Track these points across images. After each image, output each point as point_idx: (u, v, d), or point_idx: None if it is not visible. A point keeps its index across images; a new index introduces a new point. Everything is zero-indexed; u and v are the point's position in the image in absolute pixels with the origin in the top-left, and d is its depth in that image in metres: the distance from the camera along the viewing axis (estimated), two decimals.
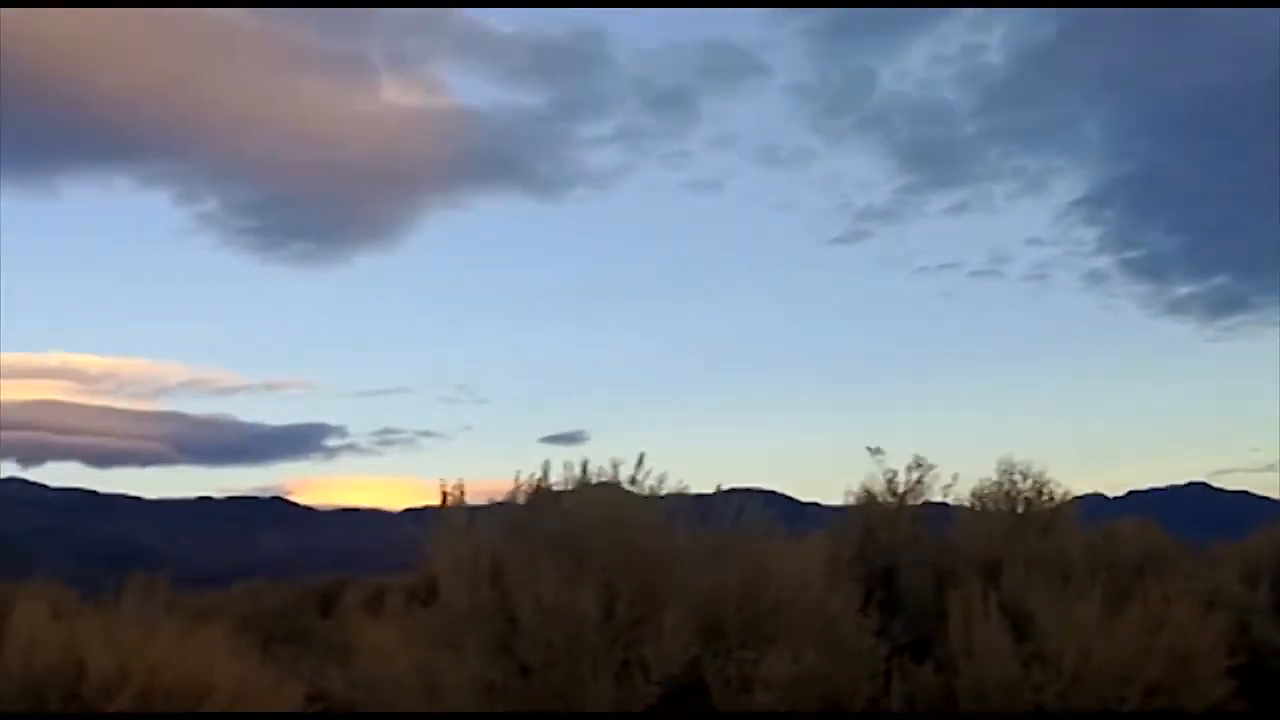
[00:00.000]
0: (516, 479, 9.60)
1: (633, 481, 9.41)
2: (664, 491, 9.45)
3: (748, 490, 10.68)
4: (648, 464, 9.43)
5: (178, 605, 12.49)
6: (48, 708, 7.46)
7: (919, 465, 11.26)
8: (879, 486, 11.33)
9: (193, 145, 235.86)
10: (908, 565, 10.69)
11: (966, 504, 11.45)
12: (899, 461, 11.37)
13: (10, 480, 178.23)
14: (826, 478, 42.66)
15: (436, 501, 9.36)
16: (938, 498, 11.41)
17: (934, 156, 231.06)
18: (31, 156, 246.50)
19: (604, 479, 9.50)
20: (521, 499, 9.54)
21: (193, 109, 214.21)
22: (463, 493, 9.36)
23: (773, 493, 12.92)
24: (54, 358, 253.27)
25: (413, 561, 10.83)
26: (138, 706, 7.58)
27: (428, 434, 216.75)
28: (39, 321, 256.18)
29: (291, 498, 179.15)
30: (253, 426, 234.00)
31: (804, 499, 24.03)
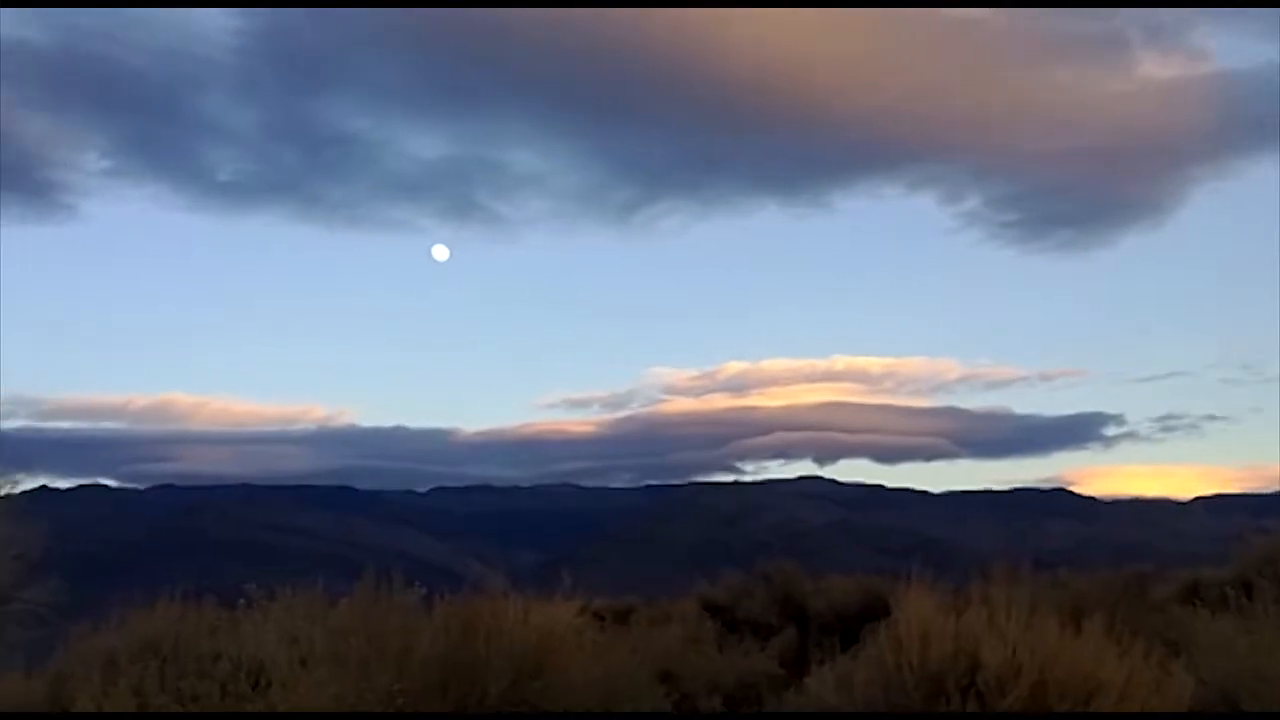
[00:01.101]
0: None
1: None
2: None
3: None
4: None
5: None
6: (946, 698, 7.71)
7: None
8: None
9: (954, 147, 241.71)
10: None
11: None
12: None
13: (808, 478, 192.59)
14: None
15: (1232, 489, 8.52)
16: None
17: None
18: (802, 173, 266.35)
19: None
20: None
21: (953, 112, 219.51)
22: None
23: None
24: (839, 361, 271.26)
25: (1221, 552, 10.14)
26: (1029, 702, 7.62)
27: (1211, 418, 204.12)
28: (824, 328, 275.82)
29: (1073, 488, 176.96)
30: (1029, 418, 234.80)
31: None
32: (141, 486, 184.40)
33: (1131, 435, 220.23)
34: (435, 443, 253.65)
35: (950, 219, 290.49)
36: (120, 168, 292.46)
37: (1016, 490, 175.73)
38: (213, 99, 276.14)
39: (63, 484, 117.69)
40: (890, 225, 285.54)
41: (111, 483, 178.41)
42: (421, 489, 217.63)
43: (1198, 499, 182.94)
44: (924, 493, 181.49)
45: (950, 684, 7.80)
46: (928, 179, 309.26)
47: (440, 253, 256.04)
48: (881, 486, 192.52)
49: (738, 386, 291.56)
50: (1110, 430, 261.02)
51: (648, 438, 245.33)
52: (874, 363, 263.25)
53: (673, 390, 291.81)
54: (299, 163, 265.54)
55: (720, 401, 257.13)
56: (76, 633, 12.11)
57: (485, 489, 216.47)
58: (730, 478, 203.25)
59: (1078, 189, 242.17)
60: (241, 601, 10.23)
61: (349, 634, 9.10)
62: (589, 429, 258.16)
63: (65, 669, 11.34)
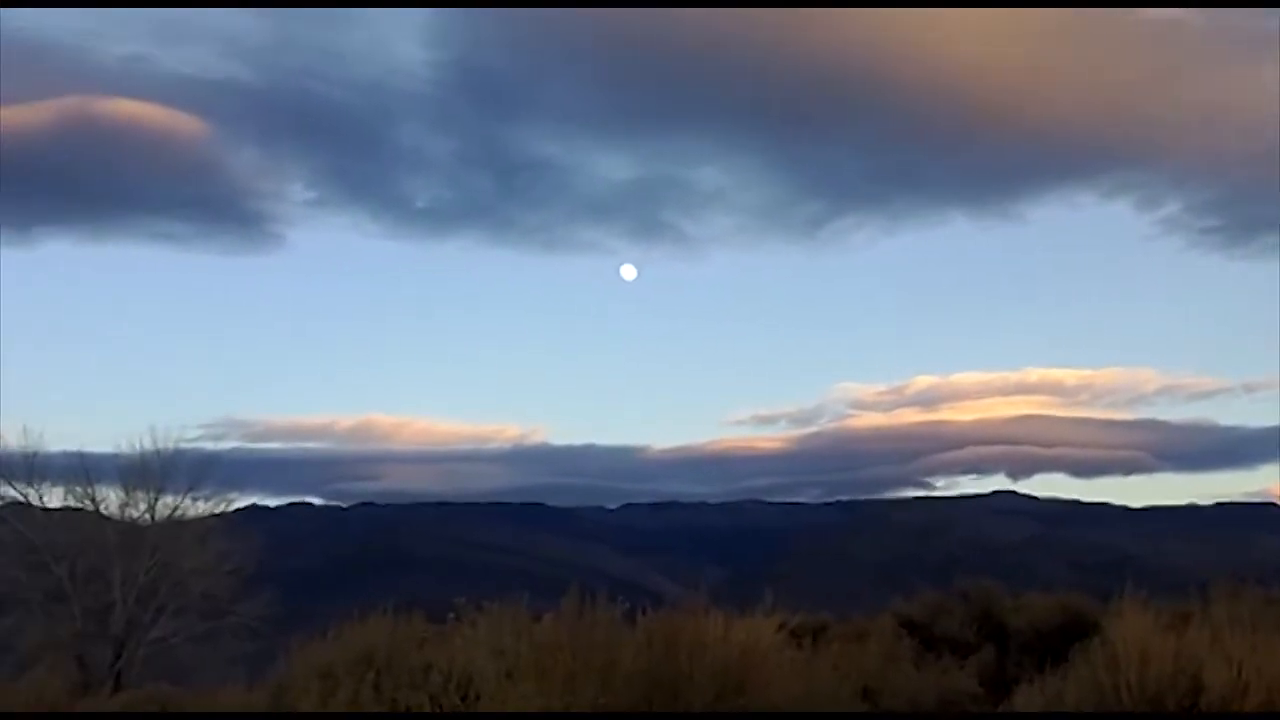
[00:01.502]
0: None
1: None
2: None
3: None
4: None
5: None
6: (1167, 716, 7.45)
7: None
8: None
9: (1151, 152, 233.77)
10: None
11: None
12: None
13: (1001, 493, 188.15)
14: None
15: None
16: None
17: None
18: (992, 183, 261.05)
19: None
20: None
21: (1149, 116, 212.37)
22: None
23: None
24: (1032, 374, 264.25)
25: None
26: None
27: None
28: (1015, 341, 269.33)
29: None
30: (1234, 430, 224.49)
31: None
32: (345, 504, 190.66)
33: None
34: (625, 460, 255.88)
35: (1148, 226, 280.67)
36: (323, 198, 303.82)
37: (1221, 505, 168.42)
38: (409, 129, 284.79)
39: (272, 502, 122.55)
40: (1084, 234, 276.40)
41: (317, 500, 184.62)
42: (611, 505, 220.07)
43: None
44: (1122, 508, 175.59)
45: (1171, 705, 7.54)
46: (1123, 185, 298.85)
47: (628, 272, 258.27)
48: (1078, 501, 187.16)
49: (927, 401, 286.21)
50: None
51: (836, 453, 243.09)
52: (1069, 374, 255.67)
53: (861, 405, 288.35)
54: (493, 188, 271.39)
55: (910, 416, 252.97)
56: (294, 645, 12.56)
57: (674, 505, 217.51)
58: (921, 493, 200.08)
59: None
60: (450, 615, 10.51)
61: (554, 648, 9.27)
62: (777, 445, 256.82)
63: (285, 680, 11.80)
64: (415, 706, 9.05)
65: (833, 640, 17.52)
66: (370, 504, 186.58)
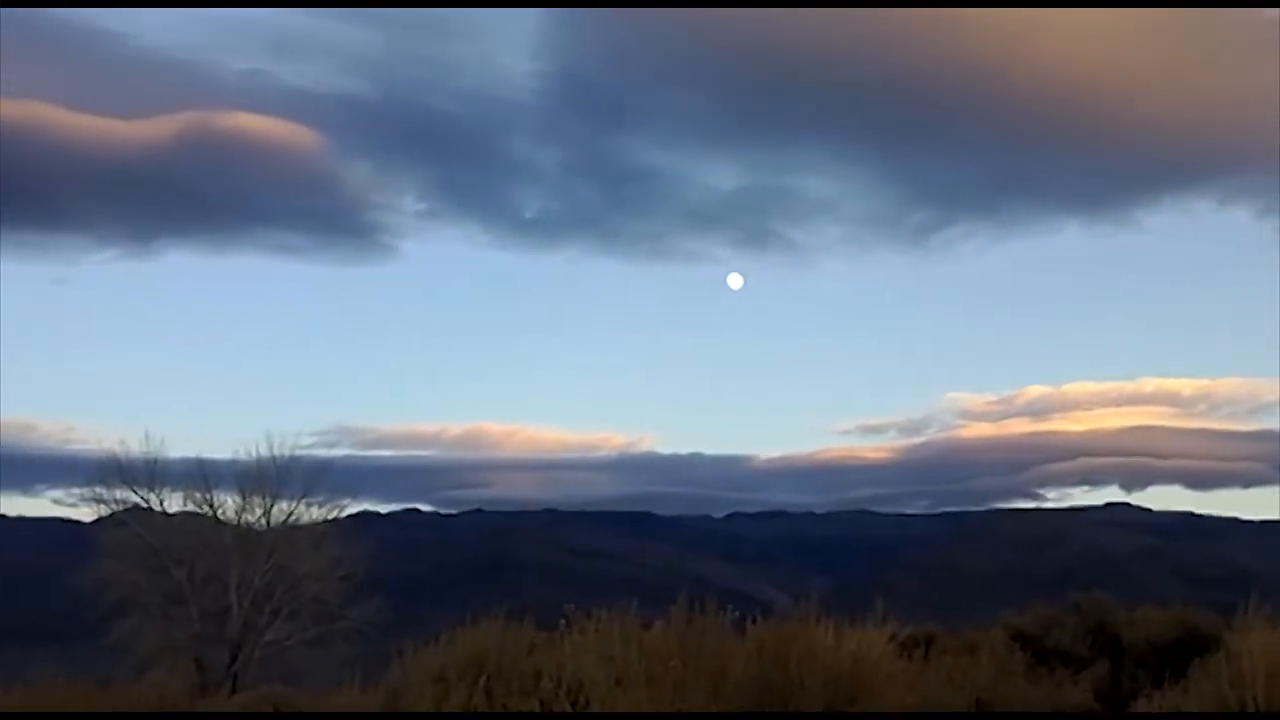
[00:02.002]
0: None
1: None
2: None
3: None
4: None
5: None
6: None
7: None
8: None
9: (1271, 157, 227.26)
10: None
11: None
12: None
13: (1115, 505, 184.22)
14: None
15: None
16: None
17: None
18: (1105, 190, 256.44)
19: None
20: None
21: (1269, 121, 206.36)
22: None
23: None
24: (1147, 383, 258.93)
25: None
26: None
27: None
28: (1130, 350, 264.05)
29: None
30: None
31: None
32: (454, 511, 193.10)
33: None
34: (732, 469, 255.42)
35: (1270, 232, 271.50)
36: (434, 209, 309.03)
37: None
38: (518, 140, 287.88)
39: (382, 508, 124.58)
40: (1201, 241, 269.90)
41: (426, 507, 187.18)
42: (717, 515, 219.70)
43: None
44: (1242, 521, 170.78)
45: None
46: (1242, 191, 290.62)
47: (735, 281, 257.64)
48: (1193, 514, 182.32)
49: (1039, 411, 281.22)
50: None
51: (945, 464, 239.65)
52: (1186, 384, 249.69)
53: (970, 415, 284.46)
54: (600, 198, 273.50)
55: (1020, 426, 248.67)
56: (405, 650, 12.72)
57: (780, 515, 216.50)
58: (1032, 504, 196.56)
59: None
60: (561, 622, 10.58)
61: (664, 655, 9.29)
62: (884, 455, 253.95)
63: (399, 684, 11.97)
64: (526, 711, 9.13)
65: (942, 652, 17.31)
66: (479, 511, 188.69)
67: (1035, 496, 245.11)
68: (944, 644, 19.62)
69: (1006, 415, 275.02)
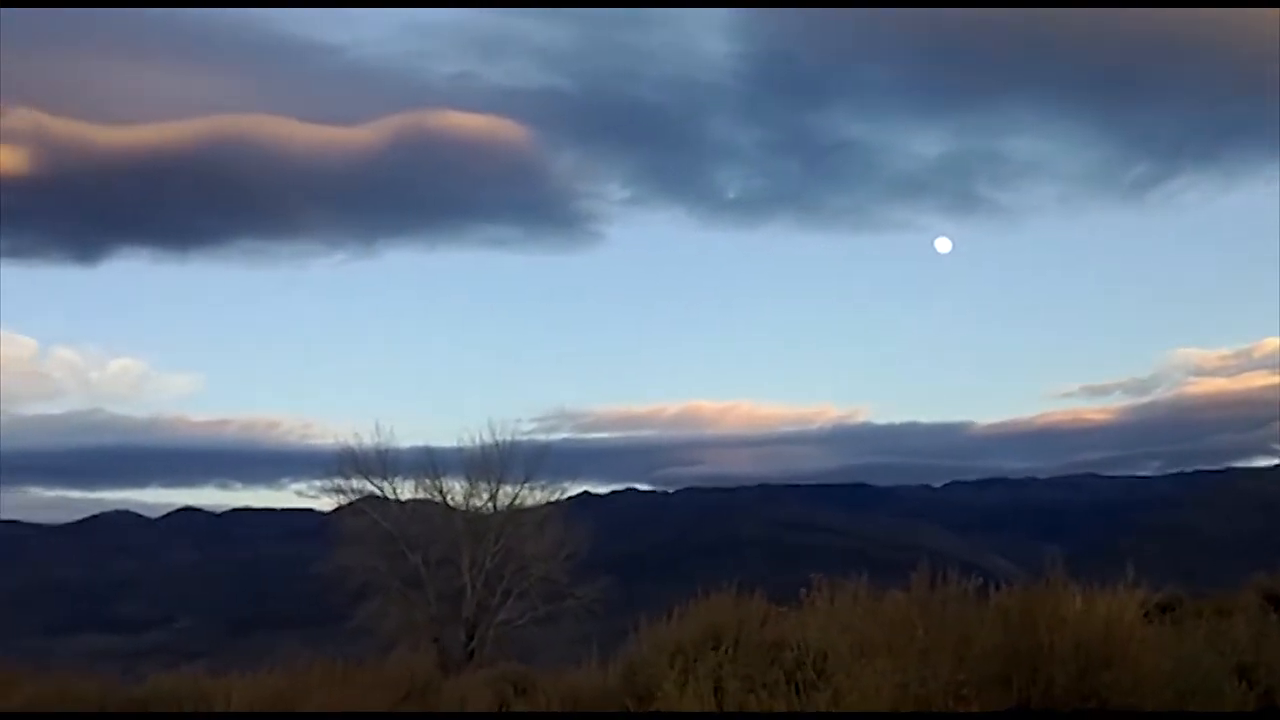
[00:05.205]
0: None
1: None
2: None
3: None
4: None
5: None
6: None
7: None
8: None
9: None
10: None
11: None
12: None
13: None
14: None
15: None
16: None
17: None
18: None
19: None
20: None
21: None
22: None
23: None
24: None
25: None
26: None
27: None
28: None
29: None
30: None
31: None
32: (671, 489, 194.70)
33: None
34: (949, 437, 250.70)
35: None
36: (639, 195, 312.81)
37: None
38: (718, 123, 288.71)
39: (601, 489, 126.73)
40: None
41: (644, 486, 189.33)
42: (936, 484, 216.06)
43: None
44: None
45: None
46: None
47: (943, 245, 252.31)
48: None
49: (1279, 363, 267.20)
50: None
51: (1176, 423, 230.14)
52: None
53: (1202, 371, 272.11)
54: (801, 174, 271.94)
55: (1259, 380, 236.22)
56: (639, 625, 12.85)
57: (1001, 481, 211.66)
58: (1273, 462, 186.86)
59: None
60: (801, 592, 10.55)
61: (906, 625, 9.15)
62: (1110, 416, 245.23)
63: (636, 658, 12.14)
64: (771, 682, 9.12)
65: (1188, 616, 16.62)
66: (696, 488, 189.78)
67: (1277, 454, 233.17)
68: (1189, 608, 18.88)
69: (1243, 369, 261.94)
